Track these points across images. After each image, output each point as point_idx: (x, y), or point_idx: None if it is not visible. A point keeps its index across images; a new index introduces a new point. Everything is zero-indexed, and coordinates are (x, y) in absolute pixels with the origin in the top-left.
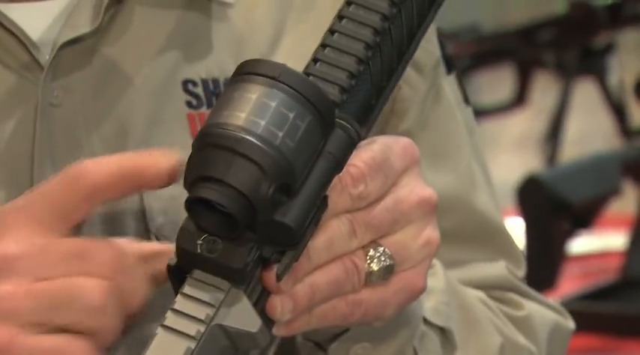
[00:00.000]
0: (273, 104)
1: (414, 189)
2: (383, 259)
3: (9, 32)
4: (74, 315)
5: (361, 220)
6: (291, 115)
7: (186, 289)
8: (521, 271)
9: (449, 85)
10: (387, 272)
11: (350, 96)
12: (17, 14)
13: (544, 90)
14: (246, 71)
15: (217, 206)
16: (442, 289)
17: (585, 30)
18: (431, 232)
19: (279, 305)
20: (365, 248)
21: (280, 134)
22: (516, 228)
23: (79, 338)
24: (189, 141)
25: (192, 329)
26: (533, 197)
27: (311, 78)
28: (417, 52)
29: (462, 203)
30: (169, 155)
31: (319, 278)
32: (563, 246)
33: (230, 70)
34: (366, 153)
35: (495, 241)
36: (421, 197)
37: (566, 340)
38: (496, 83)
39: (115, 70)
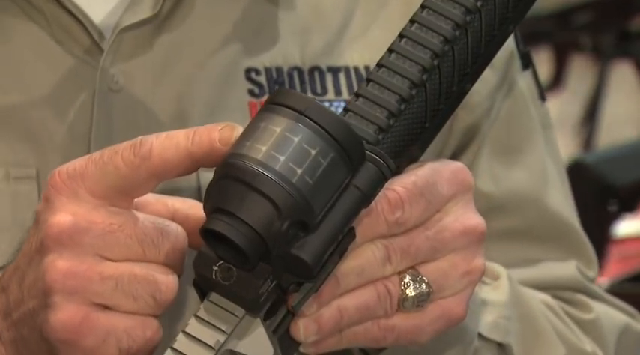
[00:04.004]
0: (296, 139)
1: (460, 217)
2: (419, 286)
3: (72, 15)
4: (143, 305)
5: (397, 246)
6: (313, 152)
7: (201, 312)
8: (593, 271)
9: (524, 80)
10: (422, 299)
11: (399, 121)
12: None
13: (580, 73)
14: (277, 101)
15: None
16: (504, 303)
17: (622, 13)
18: (475, 261)
19: (302, 328)
20: (401, 274)
21: (299, 171)
22: None
23: (147, 321)
24: None
25: (202, 354)
26: (579, 181)
27: (361, 98)
28: None
29: (534, 201)
30: (235, 128)
31: (348, 301)
32: (608, 229)
33: (294, 58)
34: (409, 178)
35: (567, 241)
36: (466, 226)
37: (637, 341)
38: None
39: (177, 57)
